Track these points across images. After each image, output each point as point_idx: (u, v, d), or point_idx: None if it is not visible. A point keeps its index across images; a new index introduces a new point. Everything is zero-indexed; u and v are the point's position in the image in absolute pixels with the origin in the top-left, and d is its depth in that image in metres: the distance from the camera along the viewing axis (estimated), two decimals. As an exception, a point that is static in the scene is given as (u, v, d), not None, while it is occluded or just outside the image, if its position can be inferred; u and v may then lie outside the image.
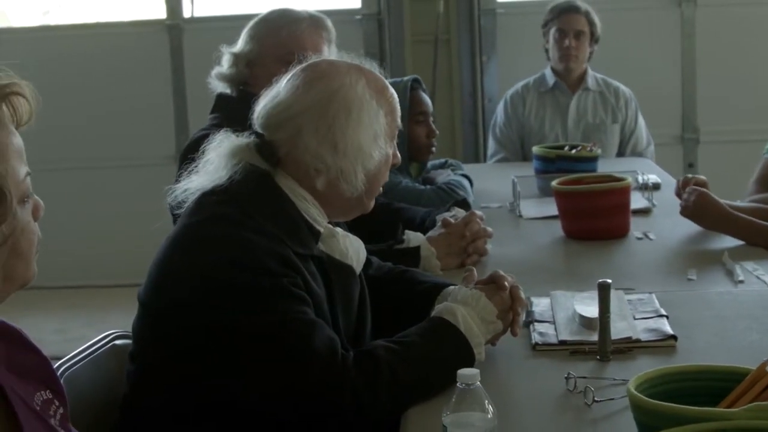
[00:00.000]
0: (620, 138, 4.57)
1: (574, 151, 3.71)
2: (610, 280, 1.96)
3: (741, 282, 2.45)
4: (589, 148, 3.72)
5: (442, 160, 3.69)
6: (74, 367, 1.92)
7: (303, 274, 1.85)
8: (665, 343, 2.01)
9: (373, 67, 2.01)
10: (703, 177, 3.09)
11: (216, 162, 1.94)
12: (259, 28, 2.91)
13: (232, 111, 2.69)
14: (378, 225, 2.66)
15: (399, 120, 2.01)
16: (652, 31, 5.69)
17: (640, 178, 3.38)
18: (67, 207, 5.67)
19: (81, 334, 4.78)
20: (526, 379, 1.93)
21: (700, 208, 2.88)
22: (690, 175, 3.10)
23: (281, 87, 1.96)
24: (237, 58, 2.88)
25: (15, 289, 1.40)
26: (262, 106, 1.96)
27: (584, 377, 1.82)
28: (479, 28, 5.68)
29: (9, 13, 6.38)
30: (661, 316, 2.14)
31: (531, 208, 3.34)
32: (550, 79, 4.61)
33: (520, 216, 3.29)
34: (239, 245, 1.81)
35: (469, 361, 1.85)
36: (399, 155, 2.04)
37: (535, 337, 2.07)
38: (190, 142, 2.75)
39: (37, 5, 6.35)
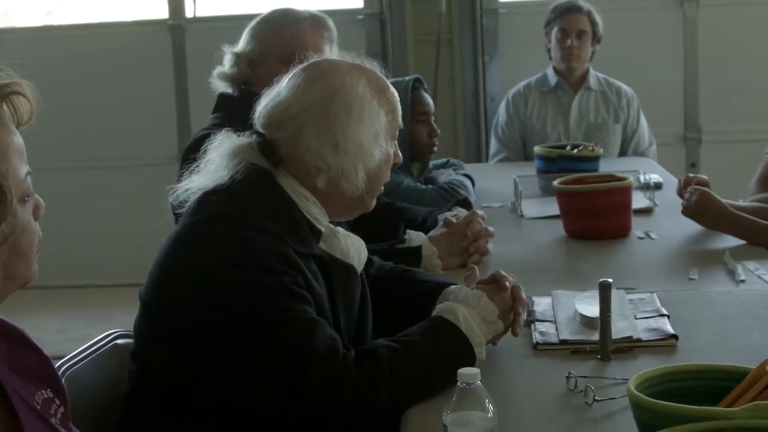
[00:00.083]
0: (622, 138, 4.56)
1: (575, 150, 3.71)
2: (611, 280, 1.96)
3: (742, 281, 2.45)
4: (590, 148, 3.72)
5: (444, 160, 3.68)
6: (75, 367, 1.92)
7: (304, 273, 1.85)
8: (666, 343, 2.01)
9: (373, 66, 2.02)
10: (704, 176, 3.09)
11: (217, 161, 1.94)
12: (261, 27, 2.91)
13: (233, 110, 2.69)
14: (380, 224, 2.66)
15: (400, 119, 2.01)
16: (654, 30, 5.69)
17: (641, 178, 3.38)
18: (69, 206, 5.68)
19: (82, 333, 4.78)
20: (526, 378, 1.92)
21: (701, 208, 2.88)
22: (692, 175, 3.11)
23: (282, 86, 1.96)
24: (239, 57, 2.88)
25: (15, 289, 1.40)
26: (263, 105, 1.96)
27: (585, 377, 1.82)
28: (481, 27, 5.68)
29: (12, 13, 6.39)
30: (662, 315, 2.14)
31: (532, 207, 3.34)
32: (552, 78, 4.60)
33: (522, 216, 3.29)
34: (241, 244, 1.81)
35: (470, 361, 1.85)
36: (400, 154, 2.04)
37: (536, 337, 2.07)
38: (191, 141, 2.75)
39: (40, 5, 6.36)
